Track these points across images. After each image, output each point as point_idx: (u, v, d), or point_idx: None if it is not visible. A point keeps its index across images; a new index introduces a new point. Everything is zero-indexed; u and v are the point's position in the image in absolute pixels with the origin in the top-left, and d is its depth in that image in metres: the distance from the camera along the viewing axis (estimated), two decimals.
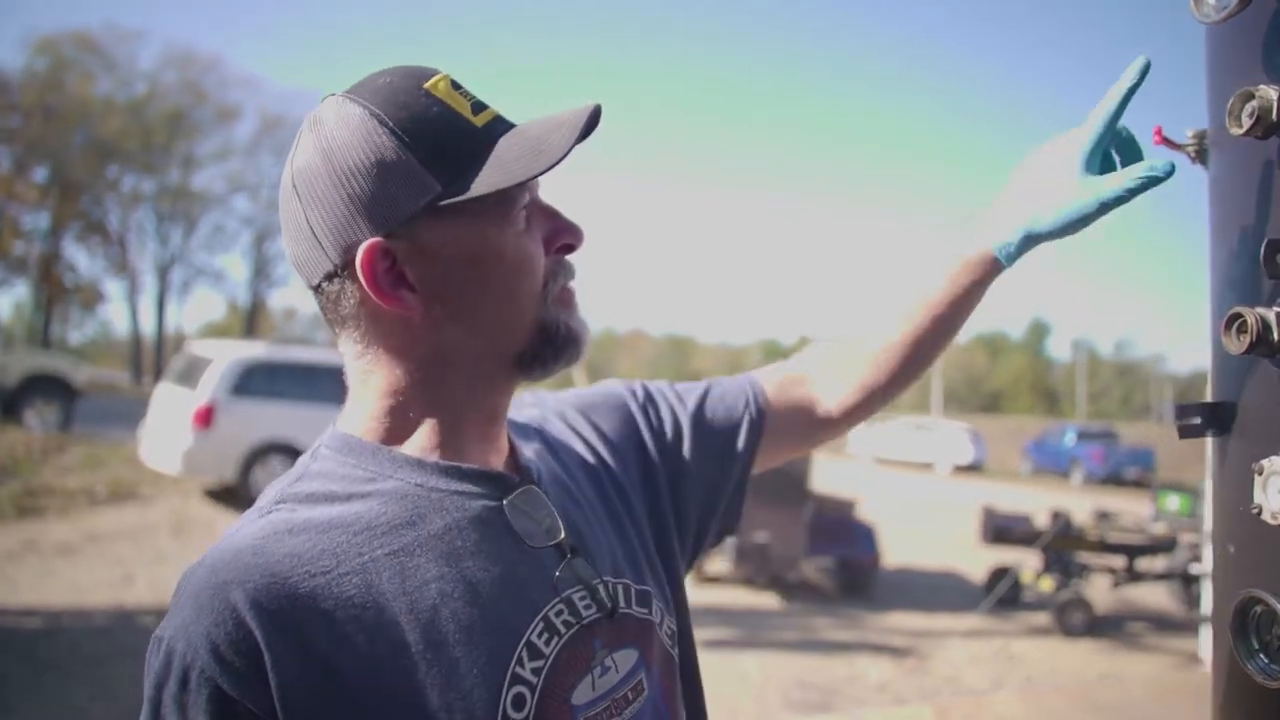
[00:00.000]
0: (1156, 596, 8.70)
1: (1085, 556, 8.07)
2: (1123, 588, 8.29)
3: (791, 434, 1.04)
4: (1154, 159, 0.82)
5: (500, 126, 0.75)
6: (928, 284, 0.98)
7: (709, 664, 1.06)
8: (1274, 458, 0.68)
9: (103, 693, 4.50)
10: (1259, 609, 0.69)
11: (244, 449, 9.27)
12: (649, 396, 1.00)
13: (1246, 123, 0.69)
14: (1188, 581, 7.89)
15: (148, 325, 34.89)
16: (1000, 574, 8.17)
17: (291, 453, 9.43)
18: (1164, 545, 8.17)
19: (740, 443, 0.99)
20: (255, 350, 10.16)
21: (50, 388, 12.96)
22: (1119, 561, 8.15)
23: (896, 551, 9.44)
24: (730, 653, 6.16)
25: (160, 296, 34.30)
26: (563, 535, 0.78)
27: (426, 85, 0.73)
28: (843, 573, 8.39)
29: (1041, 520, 8.27)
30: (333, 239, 0.72)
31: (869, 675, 6.08)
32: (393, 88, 0.72)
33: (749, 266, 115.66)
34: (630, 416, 0.97)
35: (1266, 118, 0.67)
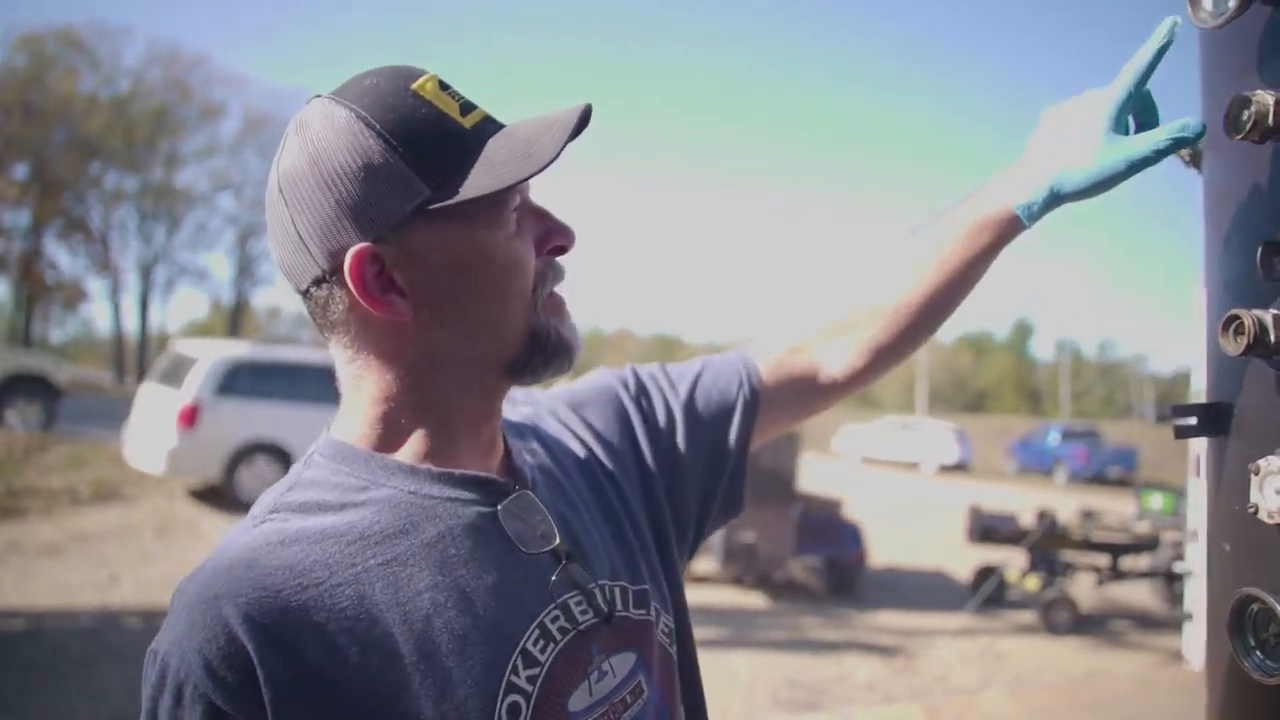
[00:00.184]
0: (1140, 594, 8.78)
1: (1070, 555, 8.14)
2: (1107, 586, 8.36)
3: (793, 404, 1.02)
4: (1184, 118, 0.79)
5: (489, 127, 0.74)
6: (944, 241, 0.94)
7: None
8: (1271, 458, 0.68)
9: (89, 694, 4.46)
10: (1256, 607, 0.69)
11: (229, 449, 9.24)
12: (641, 386, 0.98)
13: (1244, 127, 0.69)
14: (1171, 579, 7.96)
15: (130, 324, 34.69)
16: (986, 573, 8.22)
17: (277, 453, 9.40)
18: (1147, 544, 8.25)
19: (735, 426, 0.98)
20: (240, 349, 10.11)
21: (32, 387, 12.84)
22: (1103, 560, 8.23)
23: (883, 551, 9.48)
24: (719, 652, 6.16)
25: (143, 295, 34.09)
26: (558, 541, 0.78)
27: (414, 86, 0.72)
28: (830, 572, 8.42)
29: (1027, 519, 8.32)
30: (320, 244, 0.71)
31: (857, 674, 6.11)
32: (379, 89, 0.72)
33: (736, 265, 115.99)
34: (623, 410, 0.96)
35: (1263, 122, 0.68)
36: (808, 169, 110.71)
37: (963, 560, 9.12)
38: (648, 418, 0.96)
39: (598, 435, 0.93)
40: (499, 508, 0.76)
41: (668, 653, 0.86)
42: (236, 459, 9.31)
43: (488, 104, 0.76)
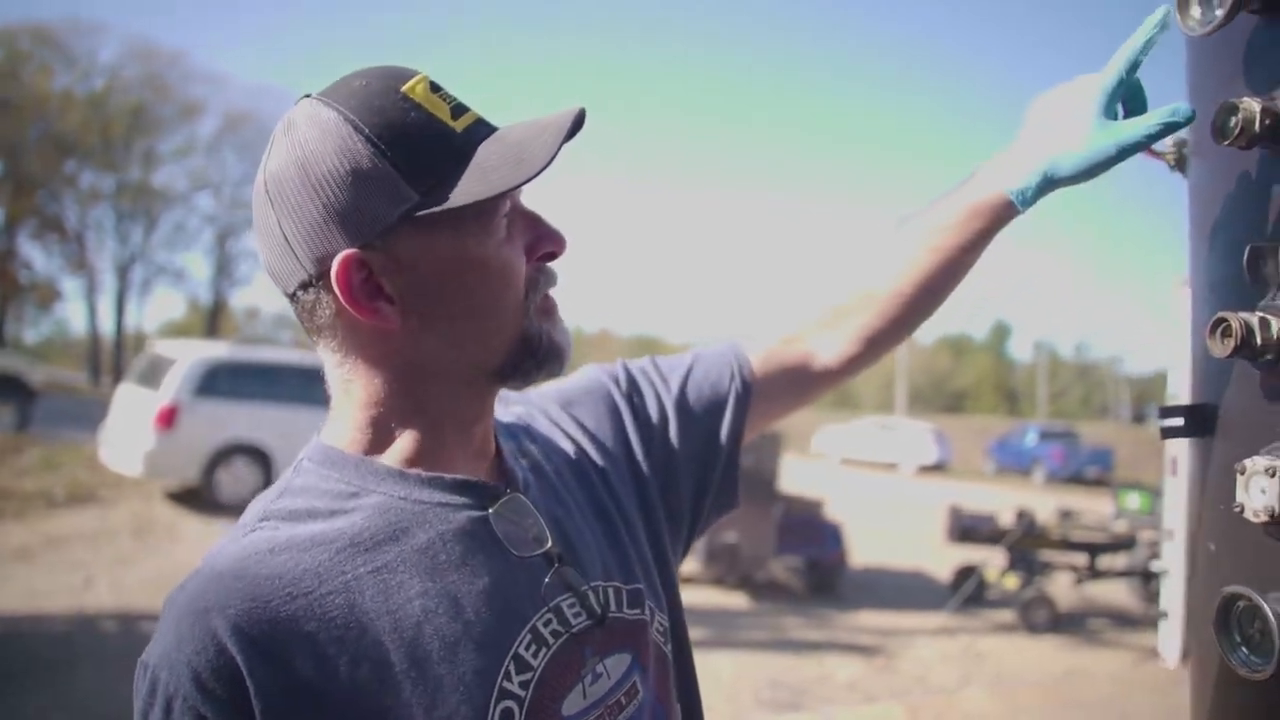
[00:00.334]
0: (1117, 593, 8.87)
1: (1048, 554, 8.22)
2: (1084, 585, 8.44)
3: (785, 394, 1.02)
4: (1174, 104, 0.80)
5: (481, 131, 0.73)
6: (937, 228, 0.95)
7: None
8: (1256, 458, 0.70)
9: (63, 701, 4.40)
10: (1242, 604, 0.71)
11: (207, 451, 9.17)
12: (633, 382, 0.98)
13: (1231, 133, 0.71)
14: (1147, 578, 8.04)
15: (106, 324, 34.37)
16: (966, 573, 8.28)
17: (256, 454, 9.35)
18: (1124, 543, 8.35)
19: (727, 420, 0.97)
20: (219, 350, 10.05)
21: (6, 388, 12.70)
22: (1081, 559, 8.31)
23: (863, 551, 9.53)
24: (702, 653, 6.08)
25: (119, 295, 33.67)
26: (550, 543, 0.78)
27: (404, 88, 0.71)
28: (811, 572, 8.45)
29: (1006, 519, 8.39)
30: (307, 248, 0.70)
31: (839, 674, 6.14)
32: (369, 91, 0.70)
33: (718, 265, 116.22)
34: (615, 407, 0.95)
35: (1250, 129, 0.70)
36: (793, 168, 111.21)
37: (942, 560, 9.18)
38: (639, 414, 0.96)
39: (589, 433, 0.93)
40: (490, 511, 0.76)
41: (663, 652, 0.86)
42: (215, 461, 9.24)
43: (482, 103, 0.75)
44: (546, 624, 0.75)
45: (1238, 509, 0.71)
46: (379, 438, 0.76)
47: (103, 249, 32.98)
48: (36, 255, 32.33)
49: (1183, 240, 0.87)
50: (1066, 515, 8.94)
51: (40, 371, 14.37)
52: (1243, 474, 0.70)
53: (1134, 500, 8.51)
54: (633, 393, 0.97)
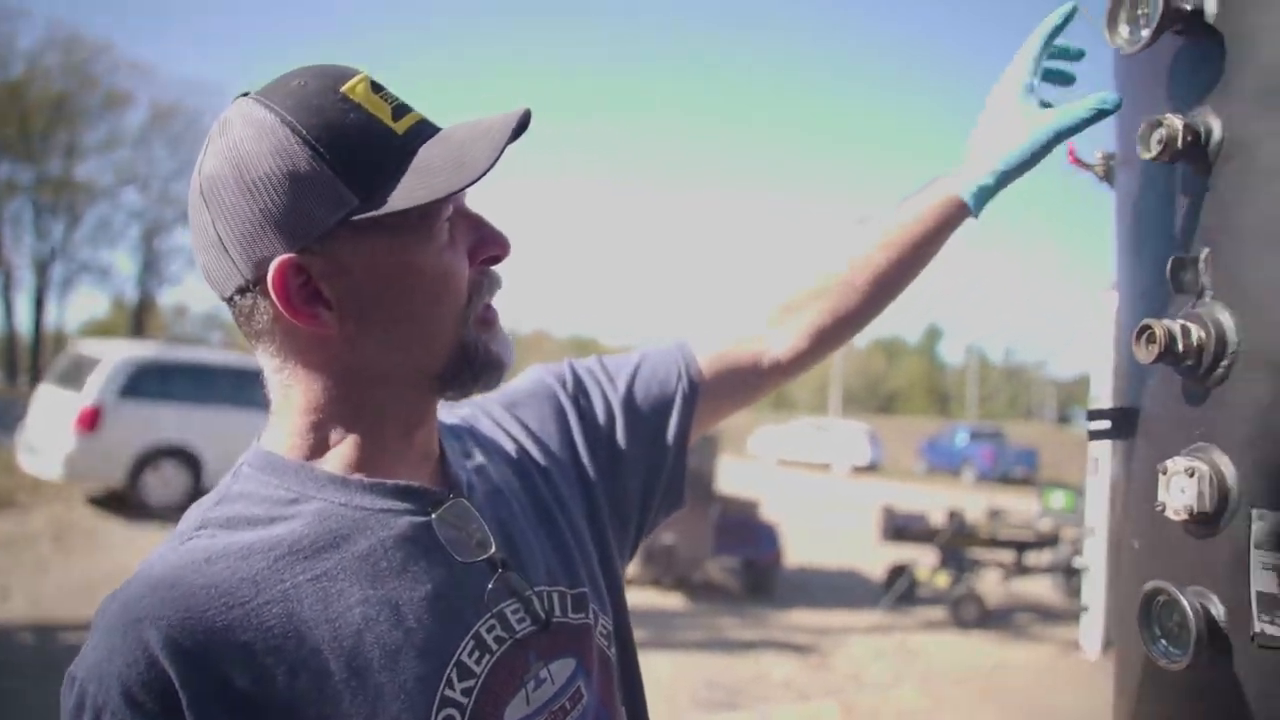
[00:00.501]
0: (1042, 589, 9.14)
1: (977, 552, 8.44)
2: (1011, 581, 8.68)
3: (734, 391, 1.02)
4: (1102, 92, 0.86)
5: (425, 131, 0.72)
6: (892, 228, 0.97)
7: None
8: (1176, 459, 0.73)
9: None
10: (1162, 599, 0.74)
11: (133, 453, 8.89)
12: (579, 383, 0.97)
13: (1155, 148, 0.74)
14: (1070, 574, 8.32)
15: (24, 322, 33.00)
16: (898, 571, 8.44)
17: (185, 457, 9.10)
18: (1049, 540, 8.61)
19: (674, 420, 0.97)
20: (146, 350, 9.75)
21: None
22: (1008, 556, 8.55)
23: (799, 551, 9.65)
24: (639, 654, 6.17)
25: (38, 293, 32.39)
26: (494, 548, 0.77)
27: (344, 89, 0.69)
28: (747, 573, 8.53)
29: (937, 518, 8.59)
30: (243, 252, 0.69)
31: (774, 673, 6.21)
32: (306, 90, 0.69)
33: (656, 265, 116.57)
34: (560, 408, 0.94)
35: (1173, 145, 0.73)
36: (736, 163, 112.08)
37: (875, 559, 9.34)
38: (585, 415, 0.95)
39: (534, 435, 0.92)
40: (433, 516, 0.75)
41: (607, 655, 0.86)
42: (142, 463, 8.96)
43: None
44: (490, 630, 0.74)
45: (1159, 508, 0.74)
46: (319, 443, 0.74)
47: (20, 244, 31.76)
48: None
49: (1109, 249, 0.91)
50: (995, 514, 9.18)
51: None
52: (1164, 474, 0.73)
53: (1058, 499, 8.77)
54: (579, 393, 0.96)
